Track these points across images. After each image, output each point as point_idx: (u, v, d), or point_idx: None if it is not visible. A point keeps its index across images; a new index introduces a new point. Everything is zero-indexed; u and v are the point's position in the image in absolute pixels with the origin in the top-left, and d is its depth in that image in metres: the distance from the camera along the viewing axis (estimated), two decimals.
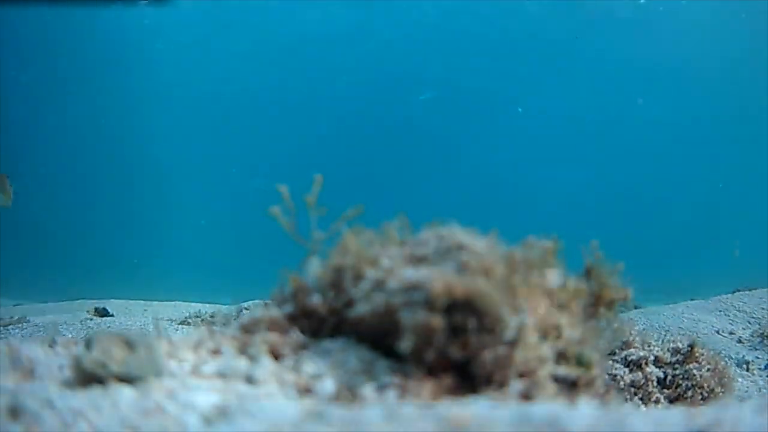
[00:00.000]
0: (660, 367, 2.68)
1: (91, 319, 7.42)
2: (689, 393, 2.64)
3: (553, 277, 1.08)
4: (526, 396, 0.94)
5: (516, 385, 0.94)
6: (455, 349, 0.94)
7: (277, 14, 23.45)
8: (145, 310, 8.79)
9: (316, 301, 1.08)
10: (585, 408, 0.75)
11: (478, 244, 1.02)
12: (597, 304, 1.20)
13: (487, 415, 0.73)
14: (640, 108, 26.81)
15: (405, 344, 0.94)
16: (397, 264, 1.02)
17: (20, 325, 6.62)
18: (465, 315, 0.94)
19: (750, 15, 20.81)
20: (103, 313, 8.04)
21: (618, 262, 1.19)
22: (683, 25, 22.63)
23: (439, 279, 0.94)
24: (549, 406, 0.78)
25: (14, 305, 9.92)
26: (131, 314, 8.33)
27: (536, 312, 1.00)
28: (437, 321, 0.93)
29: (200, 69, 25.26)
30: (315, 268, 1.11)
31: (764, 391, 4.44)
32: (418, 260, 1.03)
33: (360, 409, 0.81)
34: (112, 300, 9.09)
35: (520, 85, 26.21)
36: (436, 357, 0.94)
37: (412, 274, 0.97)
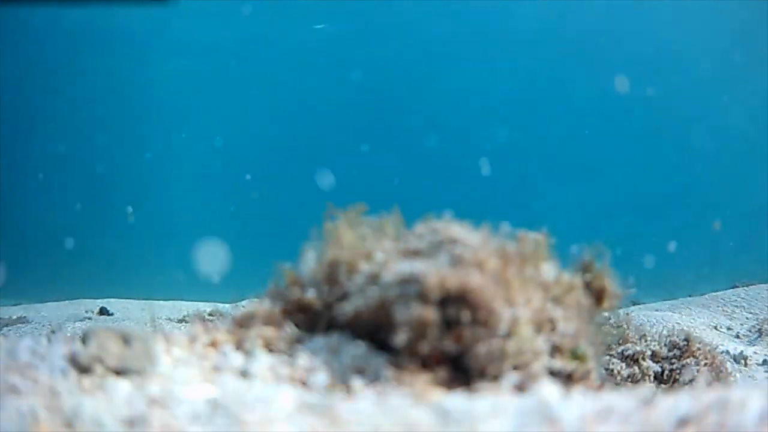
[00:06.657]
0: (657, 362, 2.69)
1: (91, 318, 7.43)
2: (686, 387, 2.65)
3: (547, 270, 1.08)
4: (521, 388, 0.95)
5: (510, 378, 0.94)
6: (449, 342, 0.94)
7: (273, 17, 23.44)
8: (143, 309, 8.79)
9: (311, 295, 1.08)
10: (575, 396, 0.75)
11: (471, 237, 1.02)
12: (595, 299, 1.21)
13: (475, 404, 0.73)
14: (641, 106, 26.80)
15: (399, 337, 0.95)
16: (391, 258, 1.03)
17: (20, 325, 6.63)
18: (459, 308, 0.94)
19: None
20: (103, 311, 8.05)
21: (618, 261, 1.19)
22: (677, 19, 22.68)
23: (432, 272, 0.94)
24: (538, 396, 0.79)
25: (14, 305, 9.91)
26: (130, 313, 8.34)
27: (530, 305, 1.01)
28: (431, 314, 0.93)
29: (199, 70, 25.23)
30: (310, 263, 1.11)
31: None
32: (412, 254, 1.03)
33: (352, 400, 0.82)
34: (111, 299, 9.10)
35: (521, 84, 26.20)
36: (430, 350, 0.95)
37: (406, 267, 0.98)
